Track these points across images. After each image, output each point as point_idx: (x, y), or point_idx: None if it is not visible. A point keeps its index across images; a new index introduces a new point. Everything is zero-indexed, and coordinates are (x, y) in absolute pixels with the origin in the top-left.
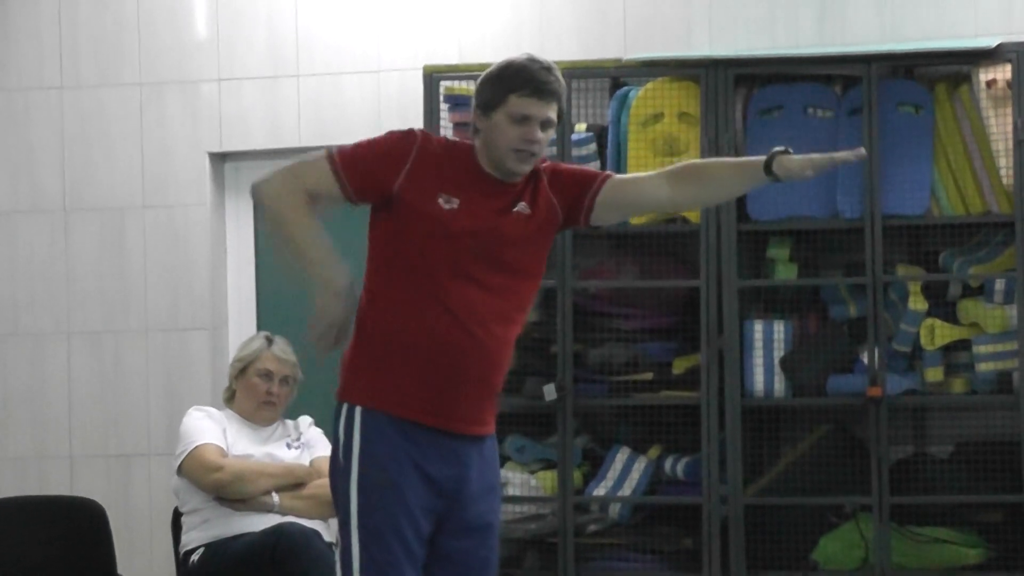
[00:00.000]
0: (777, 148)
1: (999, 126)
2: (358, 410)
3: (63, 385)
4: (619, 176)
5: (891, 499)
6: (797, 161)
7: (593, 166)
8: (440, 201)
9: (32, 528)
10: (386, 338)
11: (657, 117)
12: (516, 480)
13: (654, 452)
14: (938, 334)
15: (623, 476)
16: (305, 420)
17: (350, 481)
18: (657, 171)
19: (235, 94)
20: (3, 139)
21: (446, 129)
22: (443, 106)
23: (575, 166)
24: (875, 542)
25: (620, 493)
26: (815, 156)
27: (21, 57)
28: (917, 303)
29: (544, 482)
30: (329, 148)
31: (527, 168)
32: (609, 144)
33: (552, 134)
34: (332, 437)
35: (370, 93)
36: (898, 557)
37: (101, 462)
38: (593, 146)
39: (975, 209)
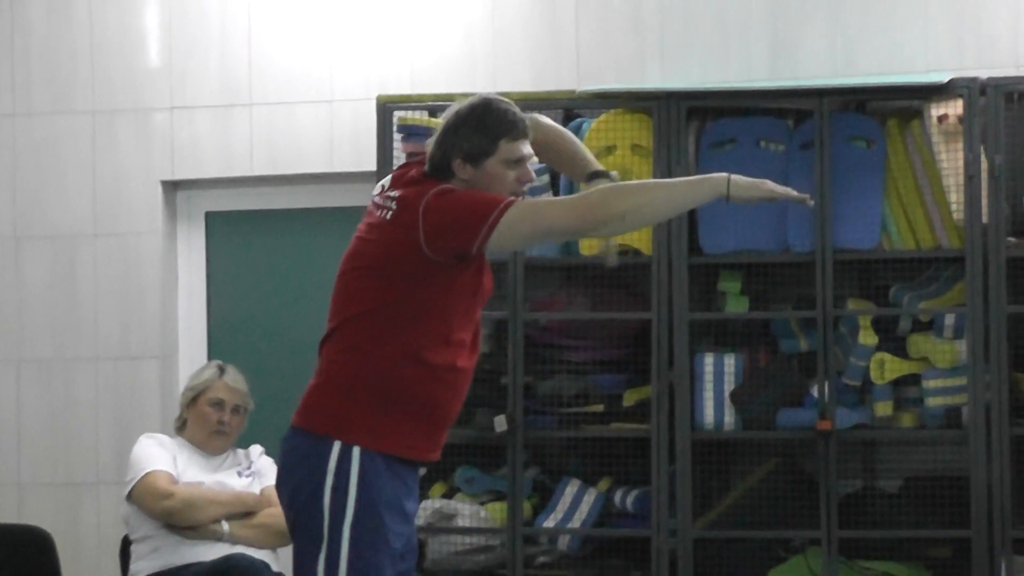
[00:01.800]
0: (604, 169)
1: (950, 161)
2: (356, 451)
3: (12, 413)
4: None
5: (840, 533)
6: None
7: (547, 196)
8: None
9: None
10: (393, 384)
11: (610, 149)
12: (466, 511)
13: (604, 484)
14: (888, 368)
15: (573, 508)
16: (256, 449)
17: (343, 521)
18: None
19: (187, 122)
20: None
21: (398, 159)
22: (396, 136)
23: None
24: None
25: (570, 525)
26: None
27: None
28: (867, 337)
29: (494, 513)
30: (500, 208)
31: None
32: (562, 176)
33: None
34: (305, 471)
35: (323, 122)
36: None
37: (50, 490)
38: (547, 177)
39: (926, 244)
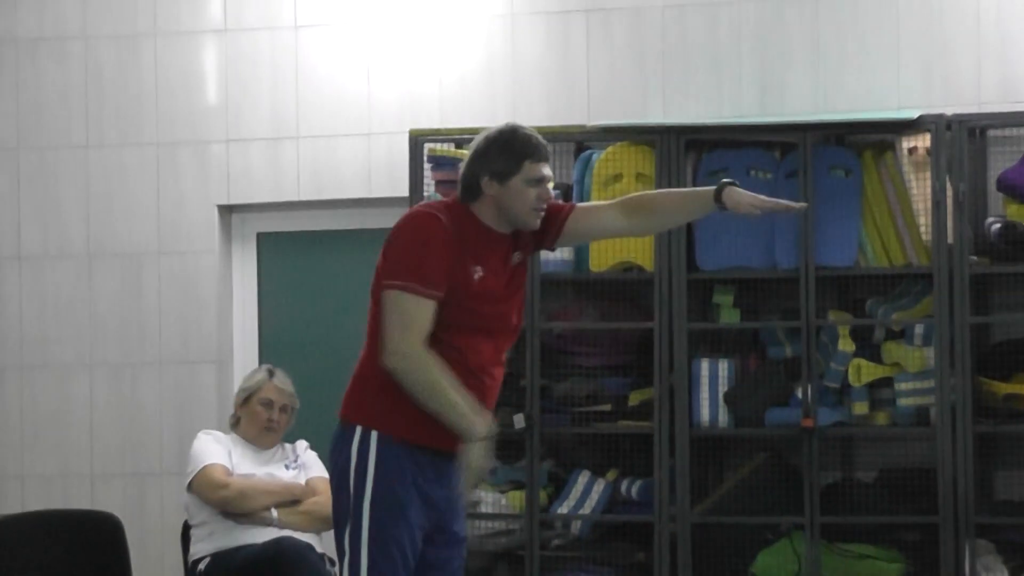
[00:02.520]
0: (726, 179)
1: (920, 188)
2: (374, 434)
3: (85, 411)
4: (581, 206)
5: (821, 519)
6: (747, 196)
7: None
8: (472, 272)
9: (56, 539)
10: (391, 376)
11: (617, 177)
12: (488, 499)
13: (611, 475)
14: (864, 372)
15: (584, 496)
16: (302, 444)
17: (364, 498)
18: (613, 201)
19: (242, 153)
20: (34, 192)
21: (429, 185)
22: (427, 165)
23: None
24: (807, 557)
25: (581, 511)
26: (764, 197)
27: (51, 120)
28: (846, 345)
29: (513, 501)
30: (399, 284)
31: (537, 223)
32: (574, 200)
33: None
34: (337, 455)
35: (362, 153)
36: (828, 571)
37: (119, 480)
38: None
39: (897, 262)
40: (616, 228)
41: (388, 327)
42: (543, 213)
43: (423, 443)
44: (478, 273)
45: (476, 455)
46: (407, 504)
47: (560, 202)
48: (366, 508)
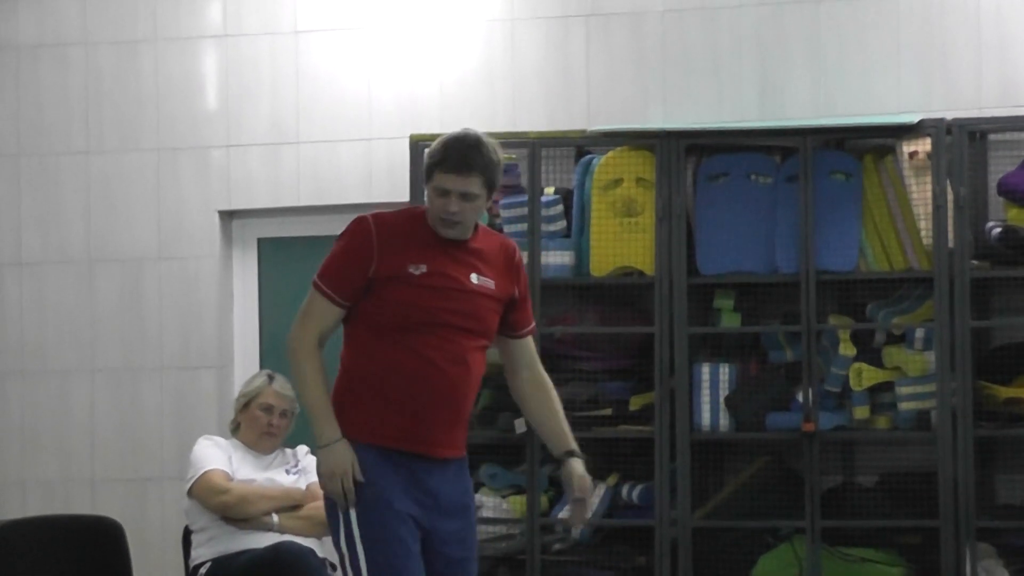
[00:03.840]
0: (576, 452)
1: (920, 193)
2: (354, 443)
3: (86, 416)
4: (528, 335)
5: (822, 523)
6: (575, 478)
7: (560, 225)
8: (410, 270)
9: (57, 544)
10: (368, 381)
11: (617, 182)
12: (489, 503)
13: (612, 479)
14: (865, 376)
15: None
16: (302, 449)
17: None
18: (532, 359)
19: (242, 158)
20: (35, 197)
21: None
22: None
23: (527, 296)
24: (808, 561)
25: None
26: (588, 489)
27: (52, 126)
28: (846, 349)
29: (514, 505)
30: (316, 280)
31: (452, 234)
32: (574, 205)
33: (480, 204)
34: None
35: (362, 158)
36: (828, 575)
37: (120, 485)
38: (560, 207)
39: (898, 266)
40: (513, 375)
41: (297, 314)
42: (455, 227)
43: (394, 447)
44: (420, 269)
45: (324, 460)
46: (391, 497)
47: (531, 325)
48: (352, 511)
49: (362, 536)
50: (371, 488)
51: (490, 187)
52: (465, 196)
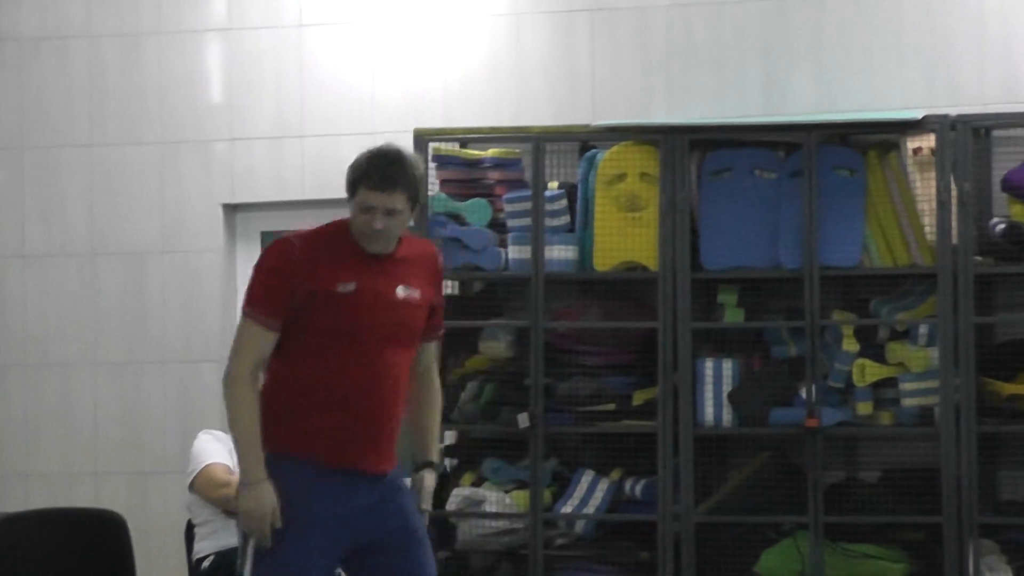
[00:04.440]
0: (436, 462)
1: (924, 189)
2: (270, 457)
3: (89, 409)
4: (435, 339)
5: (825, 518)
6: (427, 491)
7: (564, 220)
8: (339, 289)
9: (60, 538)
10: (300, 393)
11: (621, 177)
12: (492, 498)
13: (615, 474)
14: (868, 372)
15: (588, 496)
16: None
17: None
18: (430, 362)
19: (245, 152)
20: (38, 190)
21: (433, 184)
22: (431, 164)
23: (442, 302)
24: (811, 557)
25: (585, 511)
26: (429, 500)
27: (55, 118)
28: (850, 345)
29: (517, 500)
30: (245, 309)
31: (377, 248)
32: (578, 200)
33: (405, 219)
34: None
35: None
36: (831, 571)
37: (122, 478)
38: (564, 202)
39: (902, 262)
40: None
41: (231, 348)
42: (379, 242)
43: (325, 462)
44: (348, 288)
45: (243, 502)
46: (310, 521)
47: (440, 331)
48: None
49: (257, 551)
50: (290, 507)
51: (414, 202)
52: (390, 212)
